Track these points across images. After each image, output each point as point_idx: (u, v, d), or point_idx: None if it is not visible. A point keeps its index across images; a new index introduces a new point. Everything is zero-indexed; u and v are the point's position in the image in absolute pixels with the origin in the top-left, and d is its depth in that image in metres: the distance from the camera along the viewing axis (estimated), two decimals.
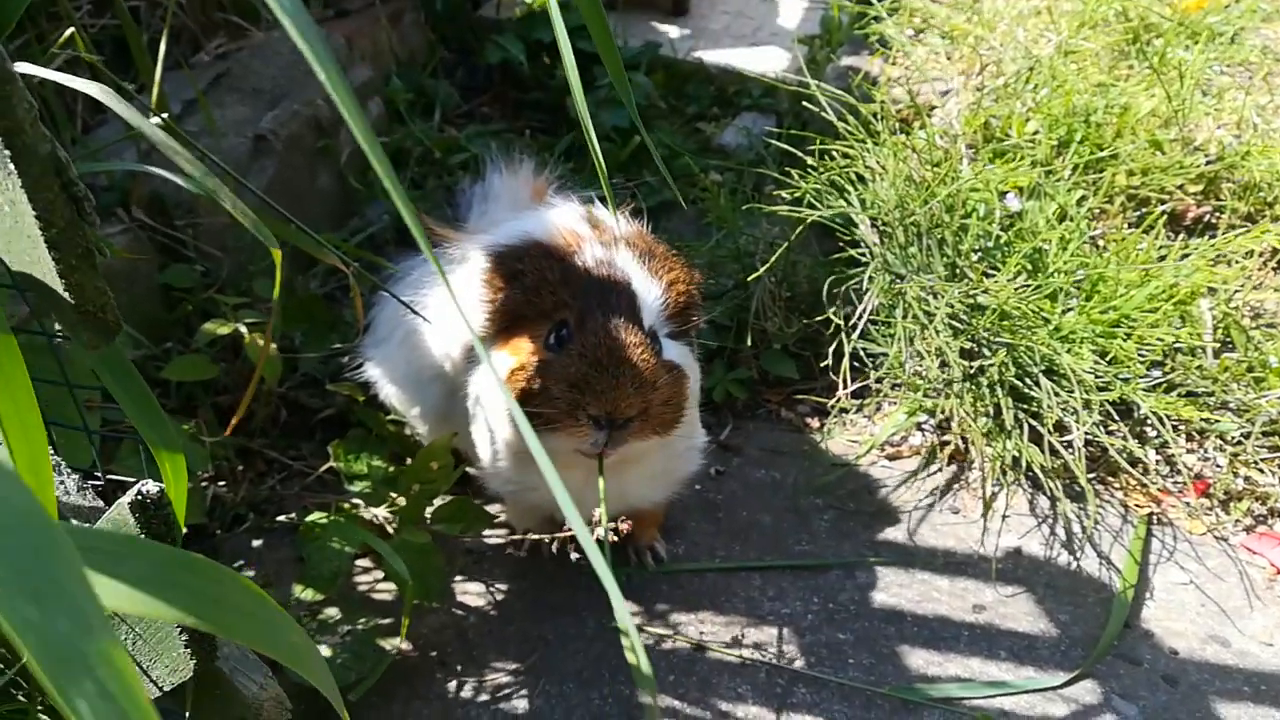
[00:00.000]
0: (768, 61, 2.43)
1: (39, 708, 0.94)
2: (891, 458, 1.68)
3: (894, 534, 1.54)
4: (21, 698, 0.94)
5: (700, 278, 1.32)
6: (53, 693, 0.31)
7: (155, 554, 0.45)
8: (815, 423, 1.74)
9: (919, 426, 1.70)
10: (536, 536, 1.36)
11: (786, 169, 1.78)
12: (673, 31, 2.58)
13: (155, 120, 1.18)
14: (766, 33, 2.58)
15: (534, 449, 0.51)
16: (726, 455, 1.69)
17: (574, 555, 1.20)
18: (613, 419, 1.14)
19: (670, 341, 1.24)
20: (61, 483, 0.72)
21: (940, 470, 1.63)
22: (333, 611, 1.34)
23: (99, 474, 0.83)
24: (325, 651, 1.28)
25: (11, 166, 0.52)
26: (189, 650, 0.69)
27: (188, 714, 0.82)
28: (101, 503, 0.76)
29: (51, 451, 0.75)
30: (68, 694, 0.31)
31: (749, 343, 1.72)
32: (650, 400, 1.15)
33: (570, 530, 1.18)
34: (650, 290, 1.21)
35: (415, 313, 1.29)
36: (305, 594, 1.29)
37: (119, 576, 0.43)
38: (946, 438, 1.65)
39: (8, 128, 0.52)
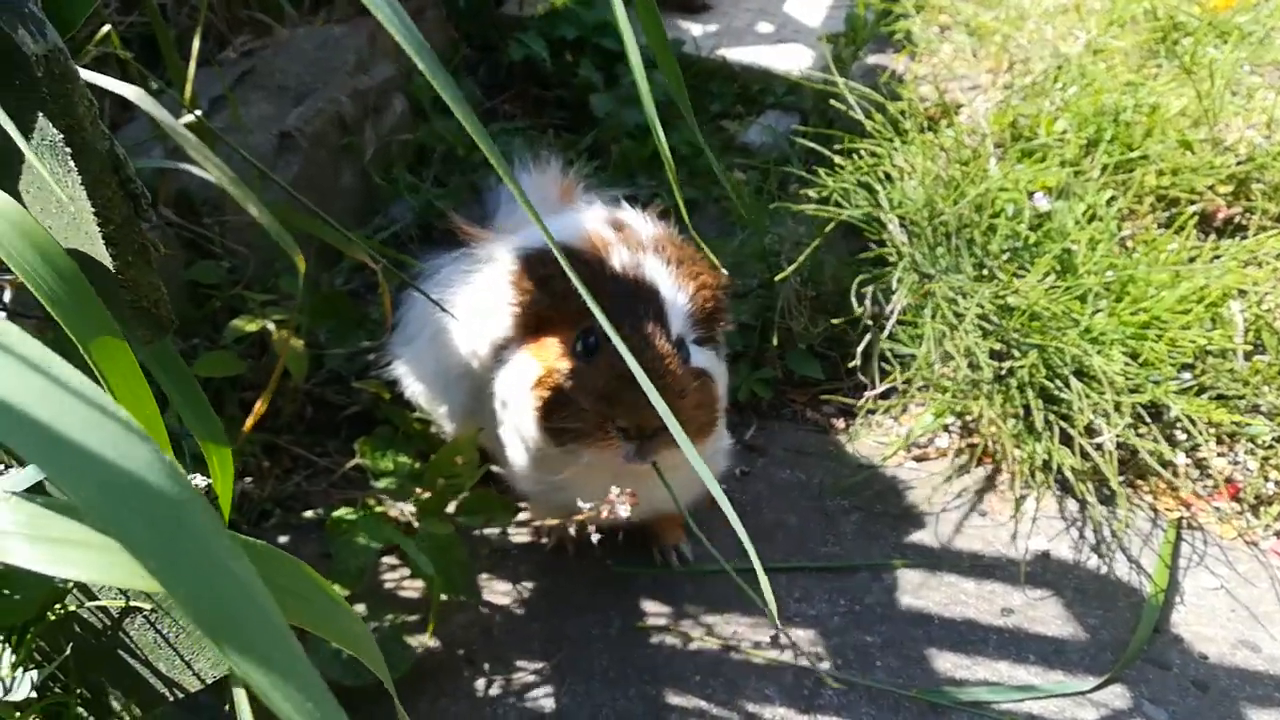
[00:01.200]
0: (792, 59, 2.42)
1: (76, 701, 0.94)
2: (918, 459, 1.67)
3: (921, 536, 1.54)
4: (58, 689, 0.95)
5: (727, 281, 1.32)
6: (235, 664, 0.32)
7: (245, 546, 0.45)
8: (840, 423, 1.74)
9: (945, 428, 1.69)
10: (555, 521, 1.36)
11: (812, 167, 1.78)
12: (695, 29, 2.57)
13: (188, 118, 1.18)
14: (790, 30, 2.57)
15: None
16: (751, 456, 1.69)
17: (595, 536, 1.20)
18: (642, 431, 1.14)
19: (698, 347, 1.24)
20: None
21: (968, 472, 1.62)
22: (360, 608, 1.35)
23: None
24: None
25: (72, 164, 0.53)
26: None
27: (227, 707, 0.82)
28: None
29: None
30: (239, 660, 0.32)
31: (775, 342, 1.72)
32: (679, 410, 1.15)
33: (592, 513, 1.17)
34: (677, 296, 1.21)
35: (444, 310, 1.29)
36: (332, 589, 1.29)
37: None
38: (974, 440, 1.64)
39: (69, 125, 0.52)
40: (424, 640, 1.32)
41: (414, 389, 1.52)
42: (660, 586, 1.47)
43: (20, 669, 0.87)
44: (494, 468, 1.43)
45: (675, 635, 1.39)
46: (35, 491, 0.58)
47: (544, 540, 1.51)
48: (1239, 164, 1.84)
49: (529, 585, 1.46)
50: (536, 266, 1.24)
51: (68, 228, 0.55)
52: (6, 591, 0.85)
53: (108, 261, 0.55)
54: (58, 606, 0.84)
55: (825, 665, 1.34)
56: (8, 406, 0.29)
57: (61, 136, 0.52)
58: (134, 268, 0.57)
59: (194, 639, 0.73)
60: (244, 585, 0.33)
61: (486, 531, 1.54)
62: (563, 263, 0.66)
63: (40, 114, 0.52)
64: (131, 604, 0.74)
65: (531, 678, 1.33)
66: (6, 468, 0.78)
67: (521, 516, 1.52)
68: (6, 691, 0.81)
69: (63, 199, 0.53)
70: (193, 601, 0.32)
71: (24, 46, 0.50)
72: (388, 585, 1.43)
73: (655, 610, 1.43)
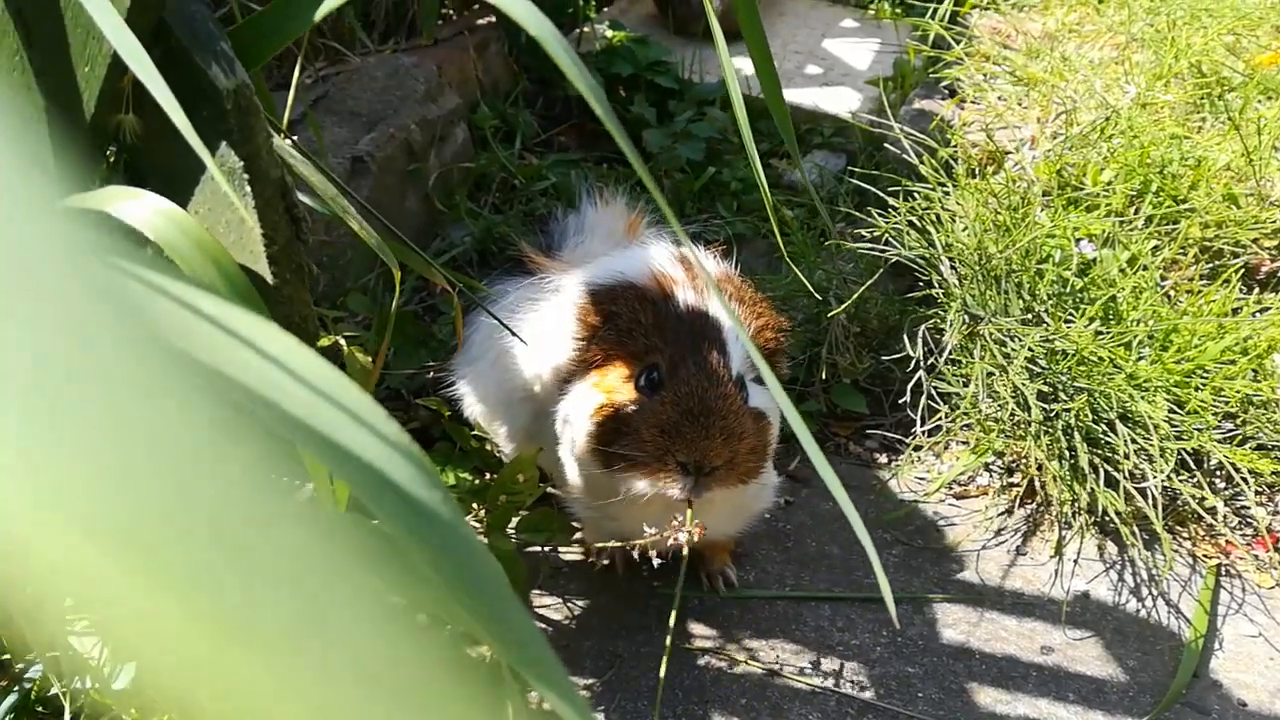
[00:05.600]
0: (840, 101, 2.48)
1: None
2: (959, 496, 1.70)
3: (962, 572, 1.56)
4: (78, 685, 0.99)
5: (786, 323, 1.37)
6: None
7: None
8: (883, 458, 1.77)
9: (986, 467, 1.72)
10: (614, 544, 1.41)
11: (862, 208, 1.83)
12: (746, 69, 2.64)
13: (285, 142, 1.25)
14: (838, 73, 2.63)
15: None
16: (795, 486, 1.73)
17: (656, 561, 1.25)
18: (700, 467, 1.18)
19: (755, 386, 1.28)
20: None
21: (1009, 512, 1.65)
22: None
23: None
24: None
25: (248, 188, 0.58)
26: None
27: None
28: None
29: None
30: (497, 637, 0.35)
31: (823, 376, 1.76)
32: (737, 450, 1.19)
33: (646, 539, 1.22)
34: (738, 336, 1.25)
35: (513, 333, 1.34)
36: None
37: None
38: (1014, 479, 1.67)
39: (248, 154, 0.58)
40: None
41: (474, 409, 1.57)
42: (706, 610, 1.50)
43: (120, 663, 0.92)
44: (550, 488, 1.47)
45: (721, 658, 1.43)
46: None
47: (593, 560, 1.55)
48: None
49: (580, 603, 1.50)
50: (603, 301, 1.29)
51: (233, 246, 0.60)
52: None
53: (269, 278, 0.61)
54: None
55: (868, 694, 1.37)
56: (325, 439, 0.34)
57: (242, 164, 0.58)
58: (290, 285, 0.63)
59: None
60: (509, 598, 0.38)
61: (538, 549, 1.58)
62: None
63: (224, 142, 0.58)
64: None
65: (582, 693, 1.36)
66: None
67: (576, 534, 1.56)
68: (115, 681, 0.86)
69: (232, 220, 0.58)
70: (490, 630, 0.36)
71: (216, 81, 0.56)
72: None
73: (701, 633, 1.46)
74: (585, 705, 0.38)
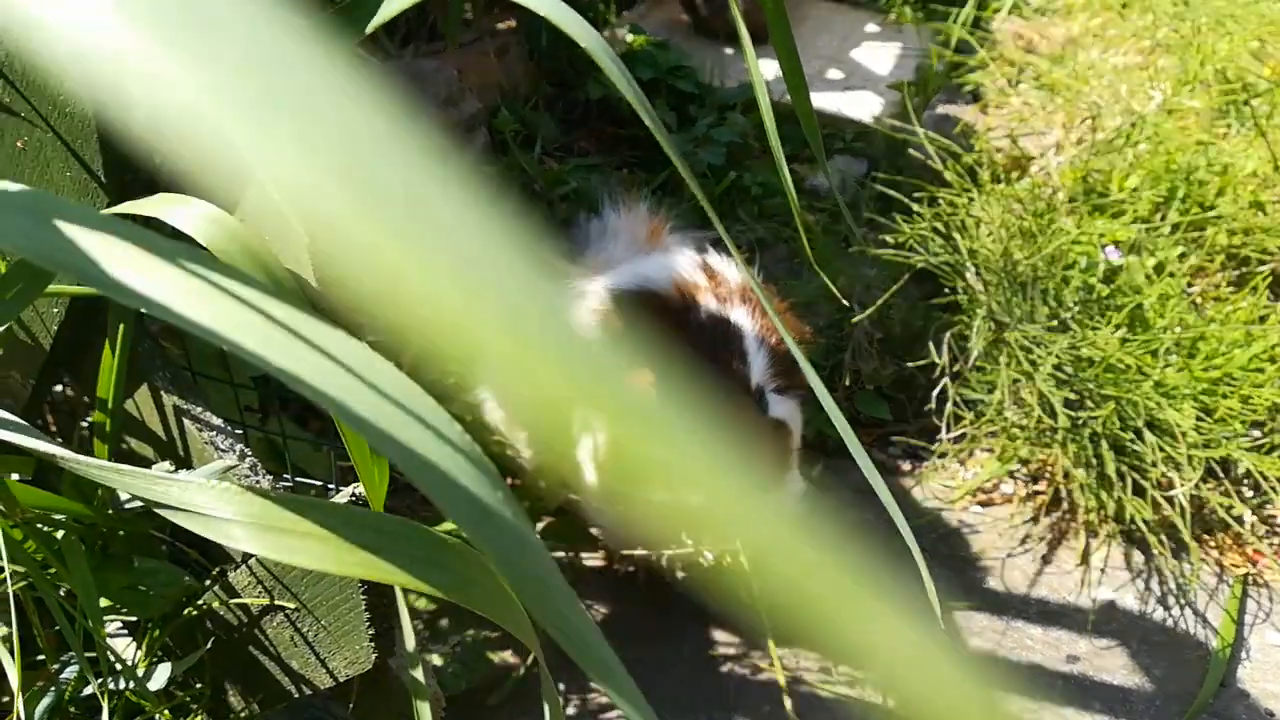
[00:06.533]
0: (861, 106, 2.47)
1: (208, 691, 0.99)
2: (983, 504, 1.69)
3: (986, 580, 1.56)
4: (176, 687, 1.00)
5: (810, 332, 1.36)
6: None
7: (424, 536, 0.50)
8: (906, 465, 1.77)
9: (1011, 474, 1.71)
10: (643, 552, 1.41)
11: (885, 214, 1.82)
12: (767, 74, 2.63)
13: None
14: (859, 78, 2.63)
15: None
16: (818, 494, 1.72)
17: (680, 573, 1.25)
18: None
19: (778, 396, 1.28)
20: (257, 481, 0.78)
21: (1035, 520, 1.65)
22: (444, 622, 1.39)
23: (287, 476, 0.90)
24: (436, 660, 1.33)
25: None
26: (373, 644, 0.74)
27: (351, 706, 0.87)
28: None
29: (243, 448, 0.82)
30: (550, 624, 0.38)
31: (846, 382, 1.76)
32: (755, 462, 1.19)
33: (676, 549, 1.22)
34: (761, 345, 1.26)
35: None
36: (419, 601, 1.34)
37: (396, 557, 0.49)
38: (1039, 487, 1.66)
39: None
40: (505, 657, 1.37)
41: (495, 415, 1.57)
42: (728, 617, 1.50)
43: (154, 662, 0.93)
44: (571, 496, 1.48)
45: (744, 665, 1.42)
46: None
47: (617, 566, 1.55)
48: None
49: (601, 610, 1.50)
50: (626, 307, 1.29)
51: (279, 252, 0.61)
52: (142, 587, 0.91)
53: (314, 282, 0.62)
54: (199, 603, 0.90)
55: (893, 701, 1.37)
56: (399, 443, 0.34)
57: None
58: (334, 289, 0.63)
59: (334, 637, 0.78)
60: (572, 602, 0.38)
61: (559, 555, 1.58)
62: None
63: None
64: (276, 602, 0.80)
65: (605, 699, 1.37)
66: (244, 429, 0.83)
67: (598, 542, 1.56)
68: (146, 680, 0.87)
69: (278, 229, 0.59)
70: (554, 627, 0.38)
71: None
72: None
73: (724, 640, 1.46)
74: (644, 702, 0.39)
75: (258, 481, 0.78)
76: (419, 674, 0.71)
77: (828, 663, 1.42)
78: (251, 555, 0.79)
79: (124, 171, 0.65)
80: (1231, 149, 1.93)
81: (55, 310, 0.82)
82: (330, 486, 1.07)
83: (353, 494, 0.66)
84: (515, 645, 1.40)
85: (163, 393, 0.77)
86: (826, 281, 1.57)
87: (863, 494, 1.72)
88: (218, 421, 0.76)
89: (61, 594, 0.93)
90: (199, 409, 0.76)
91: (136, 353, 0.80)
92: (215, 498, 0.51)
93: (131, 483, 0.54)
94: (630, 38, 2.52)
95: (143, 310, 0.39)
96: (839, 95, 2.54)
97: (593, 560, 1.58)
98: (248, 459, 0.76)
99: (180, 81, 0.22)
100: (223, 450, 0.74)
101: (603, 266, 1.51)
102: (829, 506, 1.69)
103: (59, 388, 1.00)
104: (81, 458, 0.52)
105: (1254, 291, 1.69)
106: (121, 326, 0.74)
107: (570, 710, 1.34)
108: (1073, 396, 1.49)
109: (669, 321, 1.26)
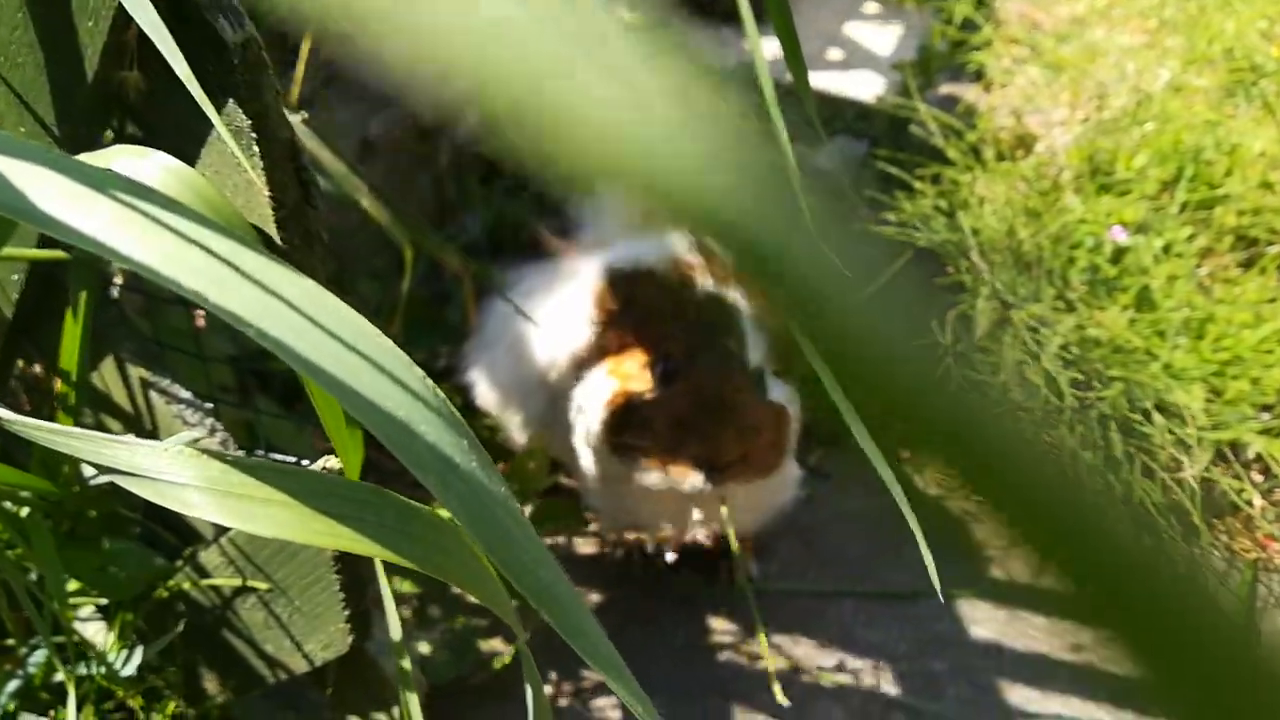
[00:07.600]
0: (862, 86, 2.42)
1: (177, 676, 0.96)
2: None
3: (989, 568, 1.52)
4: (150, 671, 0.96)
5: None
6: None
7: (394, 504, 0.47)
8: (908, 453, 1.73)
9: None
10: (633, 536, 1.37)
11: (886, 193, 1.78)
12: (769, 54, 2.59)
13: (295, 118, 1.21)
14: (860, 58, 2.58)
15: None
16: (817, 480, 1.68)
17: (670, 556, 1.22)
18: (713, 463, 1.15)
19: (776, 379, 1.25)
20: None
21: None
22: (434, 610, 1.36)
23: (260, 450, 0.86)
24: (424, 648, 1.29)
25: (256, 148, 0.55)
26: (349, 626, 0.71)
27: (329, 691, 0.83)
28: None
29: (220, 427, 0.78)
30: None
31: None
32: (753, 444, 1.16)
33: (666, 533, 1.19)
34: (759, 327, 1.22)
35: (527, 317, 1.31)
36: (405, 586, 1.31)
37: (363, 525, 0.45)
38: None
39: (257, 111, 0.54)
40: (495, 645, 1.33)
41: (487, 397, 1.53)
42: (724, 604, 1.46)
43: (126, 647, 0.89)
44: (564, 480, 1.44)
45: (741, 654, 1.39)
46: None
47: (609, 551, 1.52)
48: None
49: (595, 597, 1.47)
50: (621, 285, 1.26)
51: (242, 209, 0.57)
52: (113, 569, 0.87)
53: (278, 242, 0.58)
54: (169, 584, 0.86)
55: (894, 691, 1.33)
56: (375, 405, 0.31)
57: (250, 122, 0.54)
58: (300, 250, 0.59)
59: (308, 619, 0.74)
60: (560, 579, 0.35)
61: (551, 541, 1.55)
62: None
63: (231, 99, 0.54)
64: (248, 583, 0.76)
65: (597, 692, 1.33)
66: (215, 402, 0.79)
67: (590, 528, 1.53)
68: (122, 666, 0.83)
69: (239, 183, 0.55)
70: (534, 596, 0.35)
71: (223, 34, 0.52)
72: (457, 589, 1.44)
73: (721, 628, 1.43)
74: (629, 675, 0.37)
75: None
76: (405, 663, 0.67)
77: (829, 653, 1.38)
78: (223, 533, 0.75)
79: (78, 125, 0.61)
80: (1240, 129, 1.89)
81: (15, 278, 0.78)
82: (304, 462, 1.03)
83: (324, 467, 0.62)
84: (505, 632, 1.37)
85: (128, 365, 0.73)
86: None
87: (861, 481, 1.69)
88: (186, 394, 0.72)
89: (32, 578, 0.90)
90: (166, 382, 0.72)
91: (100, 322, 0.76)
92: (170, 461, 0.47)
93: (81, 446, 0.50)
94: (625, 16, 2.48)
95: (76, 244, 0.35)
96: (839, 75, 2.49)
97: (586, 548, 1.54)
98: (218, 433, 0.72)
99: None
100: (191, 424, 0.71)
101: (597, 246, 1.47)
102: (829, 493, 1.65)
103: (36, 368, 0.97)
104: (22, 418, 0.48)
105: (1263, 272, 1.65)
106: (84, 294, 0.71)
107: (563, 701, 1.31)
108: (1080, 377, 1.46)
109: (665, 301, 1.22)
